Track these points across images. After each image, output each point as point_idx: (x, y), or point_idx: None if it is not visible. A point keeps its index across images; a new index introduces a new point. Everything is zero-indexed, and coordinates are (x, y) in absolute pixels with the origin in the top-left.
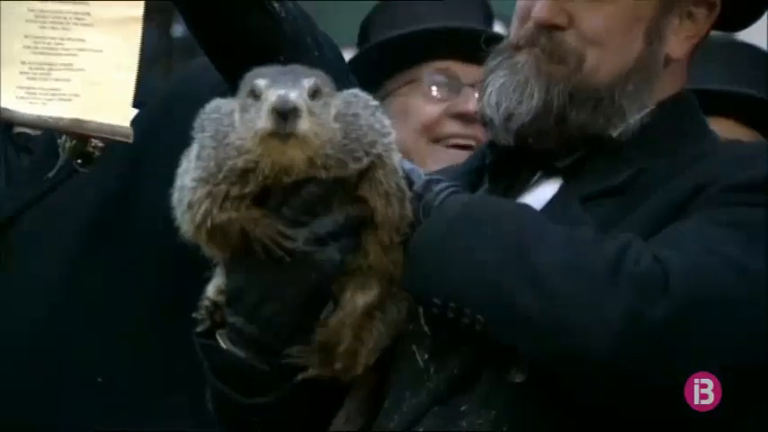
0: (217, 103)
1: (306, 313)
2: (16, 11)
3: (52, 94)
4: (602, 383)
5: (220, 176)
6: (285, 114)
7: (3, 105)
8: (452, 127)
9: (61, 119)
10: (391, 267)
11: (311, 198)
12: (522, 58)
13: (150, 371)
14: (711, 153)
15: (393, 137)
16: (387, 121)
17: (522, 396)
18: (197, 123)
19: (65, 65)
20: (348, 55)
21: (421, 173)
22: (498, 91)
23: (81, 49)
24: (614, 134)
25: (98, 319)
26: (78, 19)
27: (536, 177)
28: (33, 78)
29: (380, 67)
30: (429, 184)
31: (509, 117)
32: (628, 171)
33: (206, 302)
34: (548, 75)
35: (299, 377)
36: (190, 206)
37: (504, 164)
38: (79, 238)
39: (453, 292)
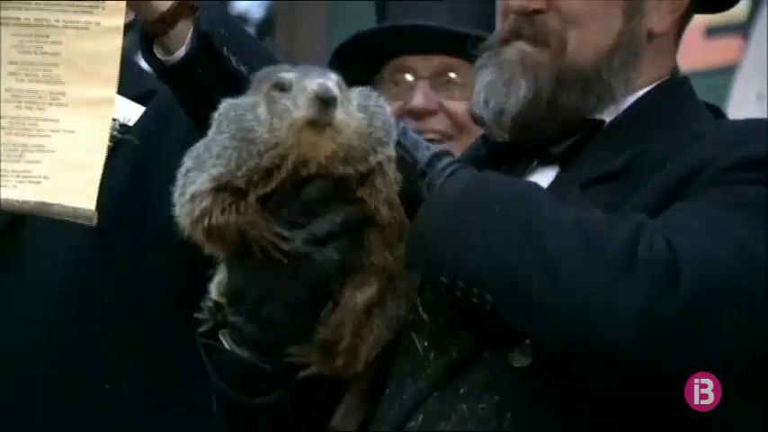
0: (233, 102)
1: (306, 313)
2: None
3: (24, 177)
4: (616, 371)
5: (239, 174)
6: (327, 102)
7: None
8: (408, 125)
9: (27, 202)
10: (392, 264)
11: (310, 200)
12: (507, 54)
13: (156, 377)
14: (709, 132)
15: (393, 151)
16: (394, 131)
17: (526, 381)
18: (213, 123)
19: (37, 146)
20: None
21: (425, 147)
22: (486, 89)
23: (54, 130)
24: (607, 118)
25: (106, 323)
26: (54, 99)
27: (532, 166)
28: (7, 160)
29: (353, 71)
30: (433, 160)
31: (501, 112)
32: (625, 155)
33: (208, 303)
34: (534, 66)
35: (301, 375)
36: (192, 197)
37: (499, 154)
38: (87, 240)
39: (461, 272)
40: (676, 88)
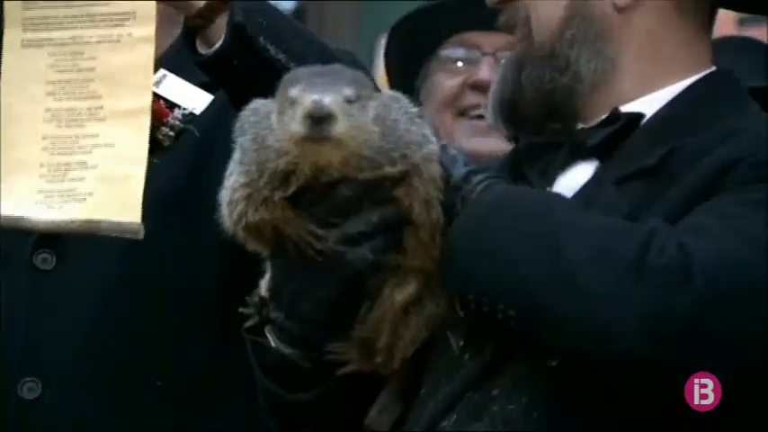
0: (255, 105)
1: (341, 311)
2: (33, 112)
3: (68, 196)
4: (633, 378)
5: (261, 182)
6: (319, 119)
7: (19, 213)
8: (471, 98)
9: (73, 221)
10: (429, 265)
11: (341, 200)
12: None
13: (207, 373)
14: (745, 128)
15: (434, 146)
16: (427, 130)
17: (554, 382)
18: (237, 125)
19: (80, 163)
20: None
21: (462, 163)
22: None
23: (95, 145)
24: (648, 112)
25: (158, 317)
26: (92, 114)
27: (570, 159)
28: (51, 181)
29: (412, 50)
30: (469, 175)
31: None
32: (661, 150)
33: (255, 298)
34: (519, 59)
35: (340, 372)
36: (229, 204)
37: (536, 149)
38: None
39: (486, 287)
40: (719, 81)
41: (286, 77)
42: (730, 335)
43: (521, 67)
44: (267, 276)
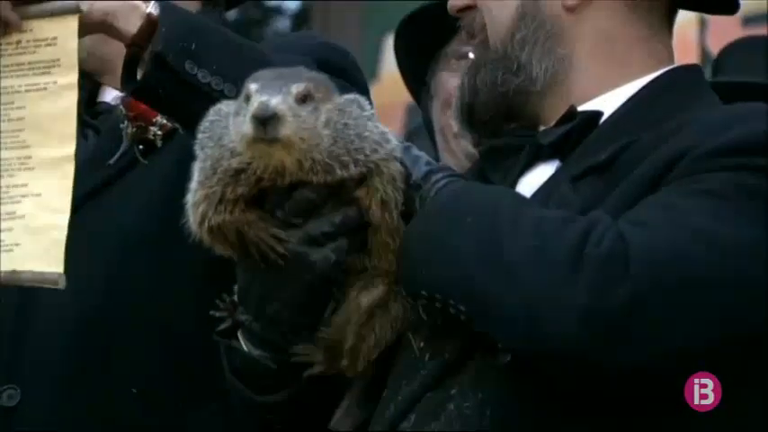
0: (219, 106)
1: (306, 312)
2: None
3: None
4: (573, 372)
5: (215, 179)
6: (264, 121)
7: None
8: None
9: None
10: (394, 267)
11: (303, 201)
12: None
13: (189, 376)
14: (693, 120)
15: (393, 144)
16: (385, 129)
17: (506, 378)
18: (200, 127)
19: (9, 213)
20: None
21: (424, 163)
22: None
23: (23, 195)
24: (607, 111)
25: (141, 324)
26: (22, 163)
27: (531, 161)
28: None
29: (421, 46)
30: (428, 174)
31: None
32: (613, 147)
33: (227, 302)
34: (476, 64)
35: (306, 374)
36: (192, 206)
37: (496, 152)
38: (122, 244)
39: (437, 284)
40: (679, 76)
41: (249, 78)
42: (667, 325)
43: (477, 71)
44: None
